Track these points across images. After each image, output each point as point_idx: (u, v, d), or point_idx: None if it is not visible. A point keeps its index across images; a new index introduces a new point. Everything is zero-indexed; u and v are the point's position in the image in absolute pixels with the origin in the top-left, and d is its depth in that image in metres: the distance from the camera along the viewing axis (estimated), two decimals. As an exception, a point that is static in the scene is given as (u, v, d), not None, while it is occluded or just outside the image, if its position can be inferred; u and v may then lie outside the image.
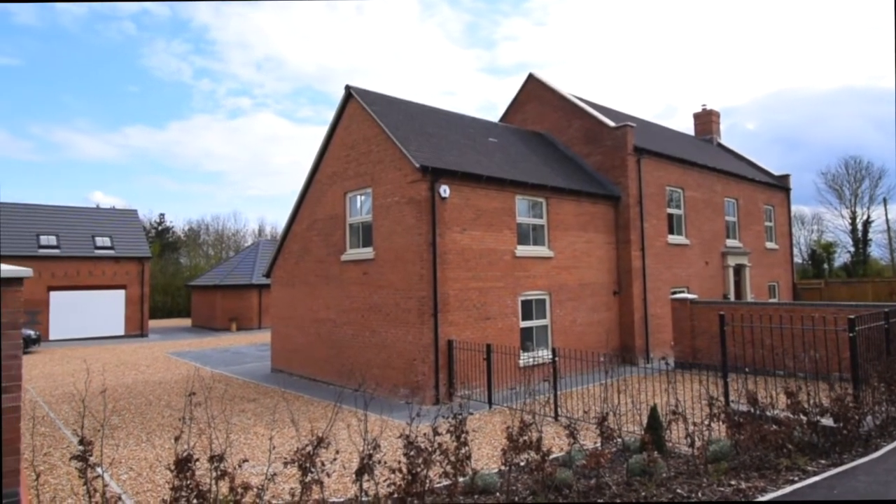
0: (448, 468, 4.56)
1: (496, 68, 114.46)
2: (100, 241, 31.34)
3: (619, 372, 8.81)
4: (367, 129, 13.56)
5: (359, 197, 14.07)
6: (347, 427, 8.14)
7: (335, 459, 5.01)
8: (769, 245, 23.40)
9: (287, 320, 16.52)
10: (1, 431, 4.40)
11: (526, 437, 4.78)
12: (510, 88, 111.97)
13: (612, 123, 17.03)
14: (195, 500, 4.37)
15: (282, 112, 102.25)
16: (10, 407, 4.80)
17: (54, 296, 28.72)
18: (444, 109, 17.16)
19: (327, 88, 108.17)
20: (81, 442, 4.56)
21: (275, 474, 4.68)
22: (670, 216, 18.03)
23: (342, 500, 5.51)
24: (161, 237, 58.03)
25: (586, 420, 7.86)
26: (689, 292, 17.22)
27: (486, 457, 7.54)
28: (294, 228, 16.56)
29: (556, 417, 9.38)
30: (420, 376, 11.50)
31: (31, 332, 24.13)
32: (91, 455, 4.56)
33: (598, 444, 5.66)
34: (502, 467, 5.48)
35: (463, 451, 4.61)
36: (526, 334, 13.60)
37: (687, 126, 37.16)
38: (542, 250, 14.24)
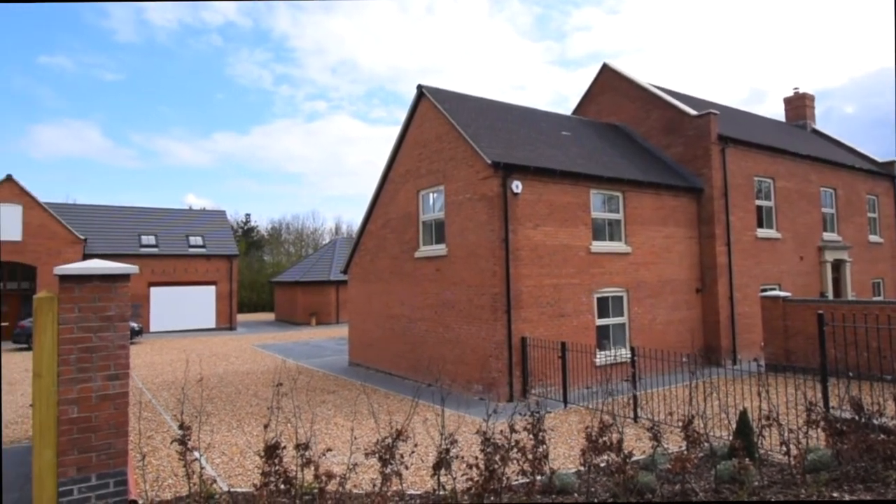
0: (525, 466, 4.53)
1: (567, 60, 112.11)
2: (193, 240, 33.64)
3: (703, 373, 8.39)
4: (439, 126, 13.67)
5: (431, 194, 14.22)
6: (424, 421, 8.27)
7: (412, 452, 5.11)
8: (873, 238, 21.46)
9: (363, 316, 16.99)
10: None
11: (605, 438, 4.66)
12: (582, 80, 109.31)
13: (693, 112, 16.22)
14: (282, 486, 4.60)
15: (356, 113, 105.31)
16: (119, 393, 5.24)
17: (154, 291, 31.12)
18: (516, 104, 17.00)
19: (399, 89, 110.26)
20: (181, 427, 4.89)
21: (355, 464, 4.82)
22: (759, 208, 16.95)
23: (419, 492, 5.60)
24: (247, 236, 61.39)
25: (669, 423, 7.55)
26: (781, 290, 16.13)
27: (563, 456, 7.42)
28: (369, 226, 16.99)
29: (635, 419, 9.08)
30: (494, 373, 11.48)
31: (135, 325, 26.26)
32: (189, 439, 4.88)
33: (683, 448, 5.42)
34: (580, 468, 5.37)
35: (541, 449, 4.56)
36: (602, 332, 13.25)
37: (777, 112, 34.77)
38: (618, 246, 13.82)
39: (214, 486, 5.78)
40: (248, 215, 65.15)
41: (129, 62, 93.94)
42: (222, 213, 39.30)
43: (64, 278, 4.96)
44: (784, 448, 5.47)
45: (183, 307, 31.85)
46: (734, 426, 6.18)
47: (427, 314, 13.81)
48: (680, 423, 5.42)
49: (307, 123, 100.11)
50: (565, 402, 10.73)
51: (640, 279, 14.07)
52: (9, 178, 28.26)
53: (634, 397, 9.22)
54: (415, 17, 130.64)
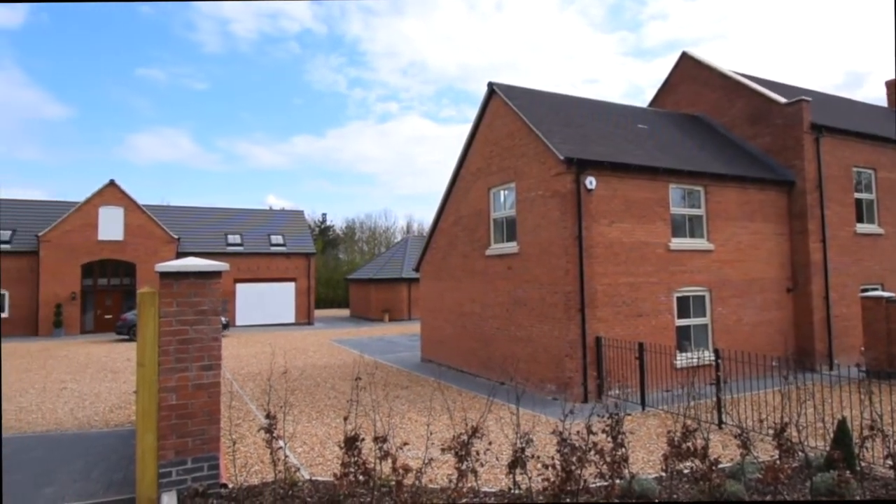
0: (604, 469, 4.42)
1: (642, 51, 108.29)
2: (274, 238, 35.33)
3: (796, 378, 7.86)
4: (510, 123, 13.59)
5: (502, 192, 14.16)
6: (498, 420, 8.25)
7: (487, 450, 5.12)
8: None
9: (435, 313, 17.19)
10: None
11: (689, 444, 4.47)
12: (658, 71, 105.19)
13: (782, 99, 15.19)
14: (361, 477, 4.74)
15: (426, 113, 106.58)
16: (212, 382, 5.58)
17: (239, 287, 32.95)
18: (589, 98, 16.62)
19: (468, 87, 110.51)
20: (268, 416, 5.14)
21: (431, 459, 4.89)
22: (858, 201, 15.65)
23: (494, 490, 5.60)
24: (323, 235, 63.68)
25: (758, 430, 7.14)
26: (884, 289, 14.83)
27: (642, 461, 7.19)
28: (440, 224, 17.15)
29: (720, 425, 8.65)
30: (569, 373, 11.28)
31: (223, 319, 27.93)
32: (275, 428, 5.13)
33: (775, 458, 5.10)
34: (661, 474, 5.18)
35: (620, 452, 4.44)
36: (682, 333, 12.70)
37: (878, 97, 31.88)
38: (700, 243, 13.19)
39: (298, 474, 6.04)
40: (324, 215, 67.61)
41: (214, 72, 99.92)
42: (300, 212, 40.96)
43: (164, 275, 5.34)
44: (889, 461, 5.03)
45: (265, 303, 33.55)
46: (832, 436, 5.76)
47: (498, 312, 13.78)
48: (771, 431, 5.11)
49: (379, 124, 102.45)
50: (643, 404, 10.38)
51: (724, 278, 13.36)
52: (112, 183, 30.83)
53: (719, 401, 8.78)
54: (484, 14, 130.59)
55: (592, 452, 4.43)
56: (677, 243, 12.77)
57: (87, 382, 14.29)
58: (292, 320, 34.21)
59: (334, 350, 20.76)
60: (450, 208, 16.59)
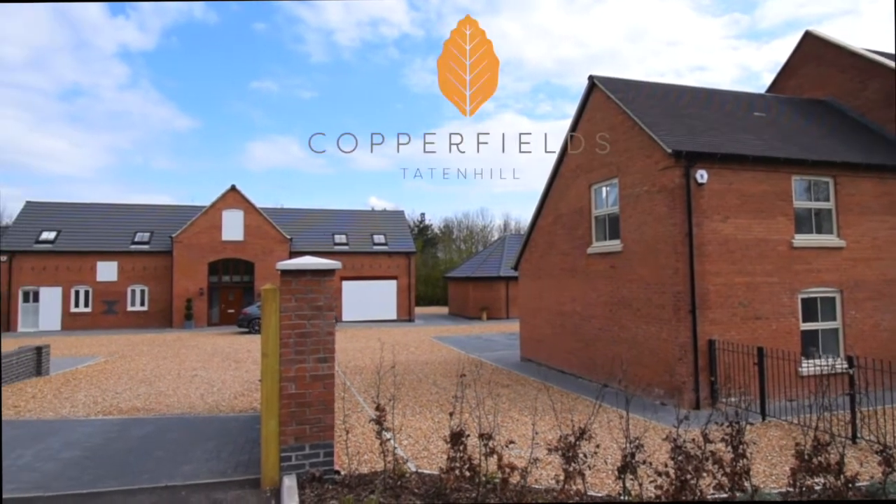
0: (722, 480, 4.18)
1: (757, 32, 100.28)
2: (377, 238, 36.73)
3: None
4: (612, 117, 13.15)
5: (604, 188, 13.74)
6: (605, 423, 8.03)
7: (594, 453, 5.02)
8: None
9: (534, 312, 17.03)
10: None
11: (821, 458, 4.10)
12: (776, 54, 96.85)
13: (931, 76, 13.42)
14: (467, 472, 4.83)
15: (522, 111, 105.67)
16: (327, 374, 5.92)
17: (345, 285, 34.60)
18: (698, 87, 15.68)
19: (565, 82, 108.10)
20: (377, 408, 5.38)
21: (536, 459, 4.88)
22: None
23: (601, 494, 5.48)
24: (422, 234, 65.21)
25: (901, 447, 6.38)
26: None
27: (763, 474, 6.69)
28: (539, 223, 16.96)
29: (854, 439, 7.84)
30: (683, 377, 10.73)
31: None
32: (384, 421, 5.35)
33: (926, 479, 4.56)
34: (788, 489, 4.80)
35: (741, 463, 4.17)
36: (808, 338, 11.63)
37: None
38: (828, 239, 12.00)
39: (405, 465, 6.26)
40: (422, 214, 69.34)
41: (320, 81, 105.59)
42: (401, 213, 42.24)
43: (284, 273, 5.76)
44: None
45: (369, 299, 35.00)
46: None
47: (600, 312, 13.39)
48: (920, 450, 4.57)
49: (475, 124, 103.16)
50: (763, 414, 9.64)
51: (858, 278, 12.06)
52: (233, 188, 33.57)
53: (854, 414, 7.96)
54: (582, 6, 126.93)
55: (710, 462, 4.20)
56: (801, 240, 11.71)
57: (214, 371, 15.69)
58: (394, 317, 35.37)
59: (435, 347, 21.21)
60: (549, 206, 16.36)
